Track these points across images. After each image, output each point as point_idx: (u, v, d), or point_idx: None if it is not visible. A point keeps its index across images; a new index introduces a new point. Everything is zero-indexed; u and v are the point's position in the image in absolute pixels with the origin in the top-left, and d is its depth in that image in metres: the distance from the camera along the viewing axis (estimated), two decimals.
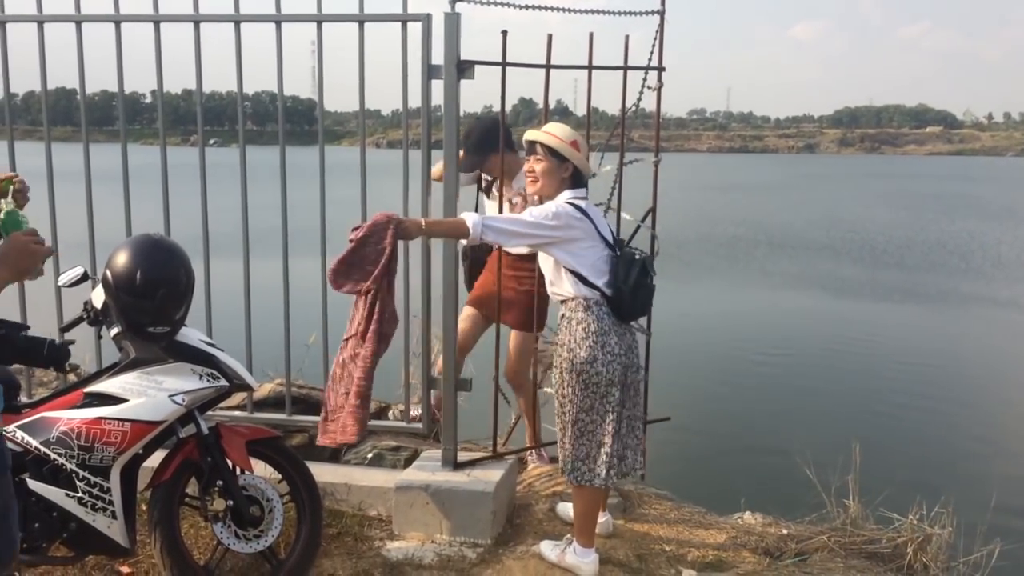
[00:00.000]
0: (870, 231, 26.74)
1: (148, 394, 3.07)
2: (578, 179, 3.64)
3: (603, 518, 3.99)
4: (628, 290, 3.50)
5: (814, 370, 10.99)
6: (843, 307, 15.19)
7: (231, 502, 3.25)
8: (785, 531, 4.26)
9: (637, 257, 3.56)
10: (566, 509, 4.15)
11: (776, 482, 6.42)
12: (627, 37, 4.28)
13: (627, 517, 4.25)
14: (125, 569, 3.49)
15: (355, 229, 3.42)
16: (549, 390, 4.05)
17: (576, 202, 3.56)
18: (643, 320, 4.36)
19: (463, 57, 3.86)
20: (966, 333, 13.60)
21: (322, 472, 4.00)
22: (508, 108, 4.48)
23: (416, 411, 4.50)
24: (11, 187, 2.42)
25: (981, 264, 20.32)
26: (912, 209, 35.54)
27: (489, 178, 4.66)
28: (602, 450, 3.54)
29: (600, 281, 3.53)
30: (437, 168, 4.11)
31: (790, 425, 8.66)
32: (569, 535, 3.79)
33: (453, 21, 3.83)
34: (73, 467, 2.96)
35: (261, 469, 3.44)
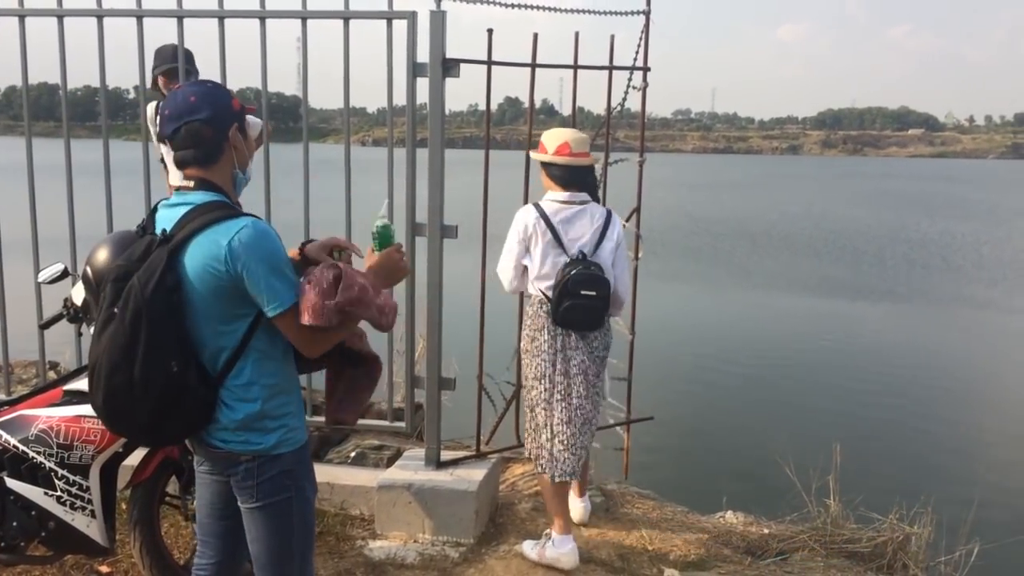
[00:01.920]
0: (851, 232, 26.89)
1: None
2: (562, 177, 3.72)
3: (581, 503, 4.07)
4: (553, 299, 3.61)
5: (795, 370, 11.04)
6: (824, 307, 15.27)
7: None
8: (766, 530, 4.28)
9: (572, 272, 3.56)
10: None
11: (758, 482, 6.44)
12: (612, 37, 4.28)
13: (610, 516, 4.26)
14: (104, 569, 3.47)
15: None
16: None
17: (543, 204, 3.70)
18: (626, 320, 4.38)
19: (448, 55, 3.85)
20: (946, 334, 13.71)
21: None
22: (494, 107, 4.47)
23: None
24: (387, 201, 2.49)
25: (962, 264, 20.49)
26: (893, 210, 35.76)
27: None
28: (544, 439, 3.75)
29: (543, 284, 3.68)
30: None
31: (771, 425, 8.70)
32: (548, 530, 3.79)
33: (439, 19, 3.82)
34: (52, 465, 2.93)
35: None
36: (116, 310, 2.13)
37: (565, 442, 3.71)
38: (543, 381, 3.71)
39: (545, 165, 3.75)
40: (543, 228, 3.64)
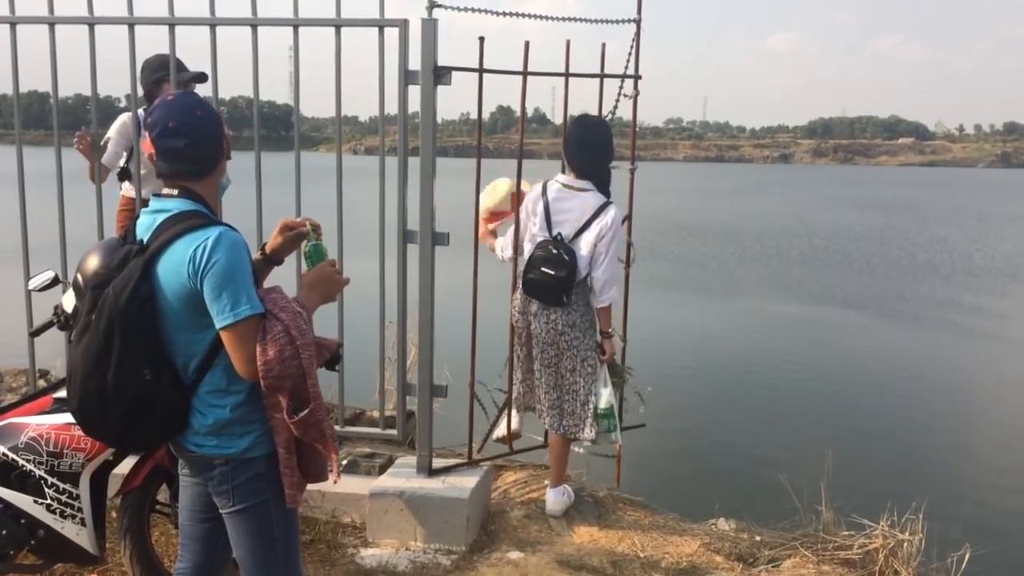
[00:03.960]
0: (841, 239, 26.97)
1: None
2: (575, 163, 4.04)
3: (552, 493, 4.25)
4: (524, 268, 4.03)
5: (787, 377, 11.06)
6: (814, 314, 15.31)
7: None
8: (758, 537, 4.28)
9: (540, 250, 3.96)
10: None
11: (750, 489, 6.45)
12: (603, 45, 4.30)
13: (601, 523, 4.26)
14: None
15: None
16: None
17: (550, 184, 4.06)
18: (618, 327, 4.40)
19: (440, 63, 3.86)
20: (937, 340, 13.75)
21: None
22: (486, 115, 4.49)
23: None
24: (311, 228, 2.52)
25: (951, 272, 20.56)
26: (884, 218, 35.88)
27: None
28: (516, 385, 4.28)
29: (526, 253, 4.09)
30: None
31: (763, 432, 8.71)
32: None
33: (430, 27, 3.83)
34: (42, 473, 2.92)
35: None
36: (93, 317, 2.15)
37: (518, 399, 4.22)
38: (520, 338, 4.18)
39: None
40: (541, 205, 4.02)
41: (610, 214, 3.95)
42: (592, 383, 4.09)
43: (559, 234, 3.96)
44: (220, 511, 2.36)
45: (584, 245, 3.94)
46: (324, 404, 2.26)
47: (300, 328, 2.18)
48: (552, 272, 3.89)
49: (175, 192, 2.25)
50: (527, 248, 4.10)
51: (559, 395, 4.12)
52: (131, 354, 2.13)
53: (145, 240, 2.21)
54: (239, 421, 2.25)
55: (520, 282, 4.10)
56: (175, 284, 2.13)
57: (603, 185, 4.05)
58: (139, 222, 2.28)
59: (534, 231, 4.07)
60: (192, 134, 2.20)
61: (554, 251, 3.91)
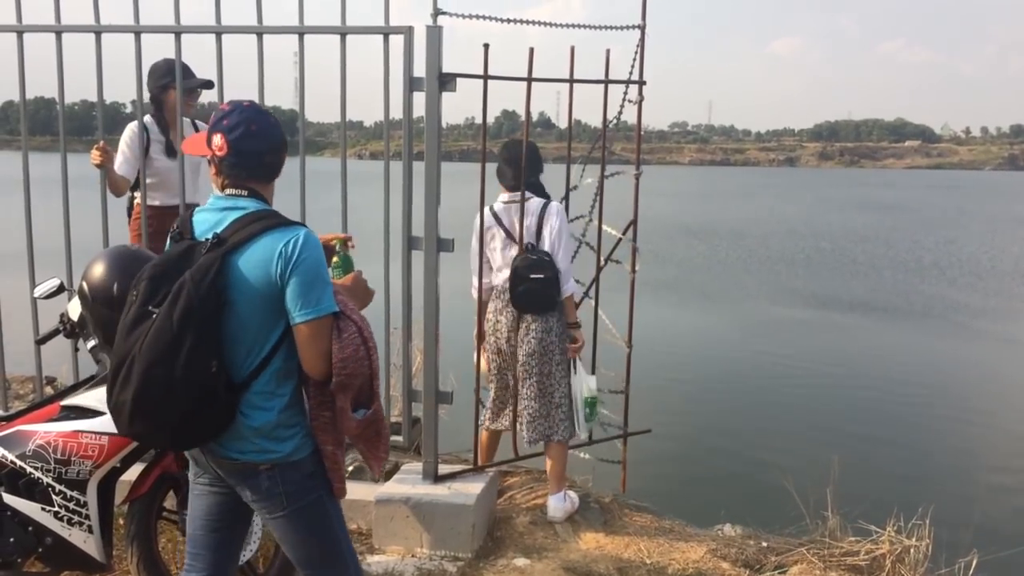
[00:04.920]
0: (848, 243, 26.90)
1: None
2: (507, 180, 4.23)
3: (552, 500, 4.24)
4: (509, 285, 4.14)
5: (793, 383, 11.02)
6: (821, 319, 15.27)
7: None
8: (765, 543, 4.27)
9: (521, 260, 4.11)
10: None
11: (756, 495, 6.43)
12: (608, 51, 4.30)
13: (607, 530, 4.25)
14: None
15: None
16: None
17: (495, 205, 4.25)
18: (623, 332, 4.40)
19: (445, 70, 3.86)
20: (943, 345, 13.70)
21: None
22: (490, 120, 4.49)
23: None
24: (338, 243, 2.69)
25: (957, 275, 20.48)
26: (890, 221, 35.79)
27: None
28: (493, 398, 4.37)
29: (503, 274, 4.21)
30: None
31: (770, 439, 8.68)
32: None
33: (435, 34, 3.83)
34: (49, 481, 2.93)
35: None
36: (151, 307, 2.15)
37: (543, 414, 4.21)
38: (497, 356, 4.28)
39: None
40: (496, 228, 4.22)
41: (552, 211, 4.18)
42: (567, 384, 4.23)
43: (530, 244, 4.14)
44: (266, 517, 2.37)
45: (546, 245, 4.15)
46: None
47: (370, 330, 2.29)
48: (541, 276, 4.08)
49: (244, 192, 2.29)
50: (494, 273, 4.30)
51: (541, 403, 4.21)
52: (203, 344, 2.12)
53: (212, 236, 2.21)
54: (284, 424, 2.28)
55: (501, 301, 4.23)
56: (258, 278, 2.17)
57: (538, 190, 4.27)
58: (198, 219, 2.31)
59: (496, 255, 4.25)
60: (272, 140, 2.31)
61: (533, 257, 4.10)
